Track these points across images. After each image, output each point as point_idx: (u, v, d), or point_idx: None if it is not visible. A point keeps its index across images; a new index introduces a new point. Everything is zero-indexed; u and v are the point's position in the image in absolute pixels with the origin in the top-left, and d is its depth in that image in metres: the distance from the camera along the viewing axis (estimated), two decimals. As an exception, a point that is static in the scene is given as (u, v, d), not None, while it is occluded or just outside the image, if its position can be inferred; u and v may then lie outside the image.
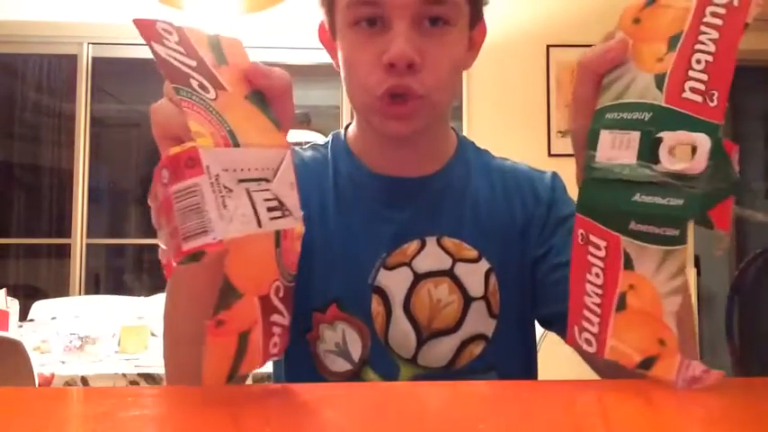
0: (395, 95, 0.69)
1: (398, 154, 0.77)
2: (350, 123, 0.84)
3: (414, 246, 0.72)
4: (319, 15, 0.78)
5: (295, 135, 3.96)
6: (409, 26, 0.68)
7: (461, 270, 0.72)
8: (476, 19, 0.76)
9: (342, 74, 0.75)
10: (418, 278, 0.71)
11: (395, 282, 0.71)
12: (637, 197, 0.38)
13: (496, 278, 0.73)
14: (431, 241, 0.73)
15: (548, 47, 3.35)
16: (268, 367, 0.79)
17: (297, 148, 0.82)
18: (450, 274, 0.72)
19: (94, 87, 3.47)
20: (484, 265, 0.73)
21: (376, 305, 0.71)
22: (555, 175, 0.82)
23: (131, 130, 4.36)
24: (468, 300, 0.71)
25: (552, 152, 3.33)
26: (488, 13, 0.78)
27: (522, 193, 0.78)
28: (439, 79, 0.70)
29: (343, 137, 0.83)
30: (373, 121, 0.73)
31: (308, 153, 0.82)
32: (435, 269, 0.72)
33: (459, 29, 0.72)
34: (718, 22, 0.38)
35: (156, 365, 2.07)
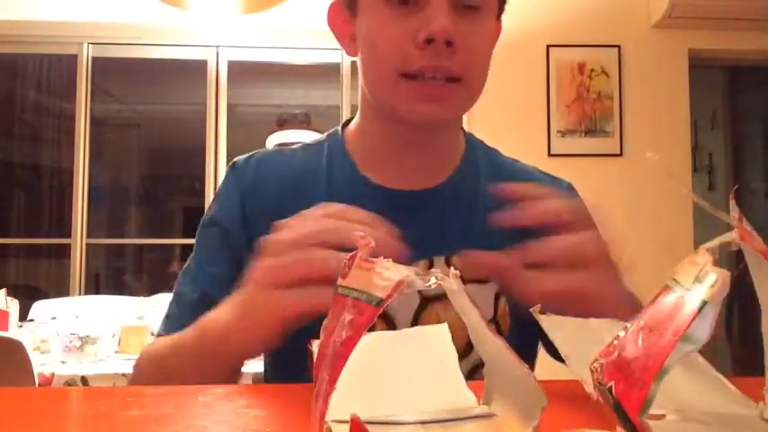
0: (428, 78, 0.65)
1: (404, 160, 0.72)
2: (350, 119, 0.78)
3: (420, 266, 0.67)
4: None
5: (295, 135, 3.96)
6: (448, 5, 0.65)
7: (471, 292, 0.67)
8: (500, 10, 0.73)
9: (360, 54, 0.70)
10: (426, 301, 0.67)
11: (400, 304, 0.67)
12: None
13: (506, 299, 0.69)
14: (439, 261, 0.68)
15: (548, 47, 3.35)
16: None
17: (286, 148, 0.78)
18: None
19: (94, 87, 3.46)
20: (494, 286, 0.68)
21: (380, 329, 0.66)
22: (571, 189, 0.78)
23: (131, 130, 4.36)
24: None
25: (552, 152, 3.33)
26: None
27: None
28: (475, 62, 0.68)
29: (340, 135, 0.77)
30: (399, 105, 0.67)
31: (299, 155, 0.76)
32: (444, 291, 0.67)
33: (491, 17, 0.70)
34: None
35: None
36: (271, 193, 0.72)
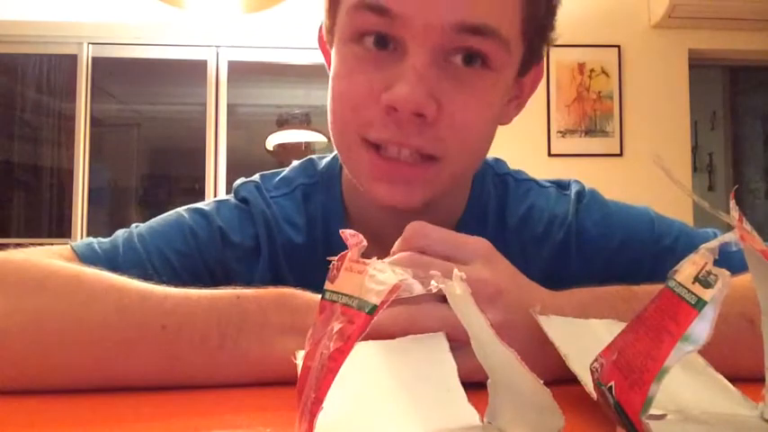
0: (391, 152, 0.51)
1: (398, 227, 0.51)
2: None
3: None
4: (321, 16, 0.64)
5: (295, 135, 3.96)
6: (431, 58, 0.50)
7: None
8: (530, 62, 0.59)
9: (328, 98, 0.58)
10: None
11: None
12: None
13: None
14: None
15: (548, 47, 3.35)
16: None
17: (286, 184, 0.67)
18: None
19: (94, 87, 3.46)
20: None
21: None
22: (579, 196, 0.66)
23: (131, 130, 4.35)
24: None
25: (552, 152, 3.33)
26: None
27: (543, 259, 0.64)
28: (463, 141, 0.52)
29: (338, 178, 0.66)
30: (359, 179, 0.56)
31: (298, 207, 0.65)
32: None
33: (501, 77, 0.54)
34: None
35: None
36: (269, 257, 0.63)
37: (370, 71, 0.51)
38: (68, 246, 0.57)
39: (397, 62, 0.50)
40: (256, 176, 0.69)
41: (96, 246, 0.59)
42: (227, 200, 0.66)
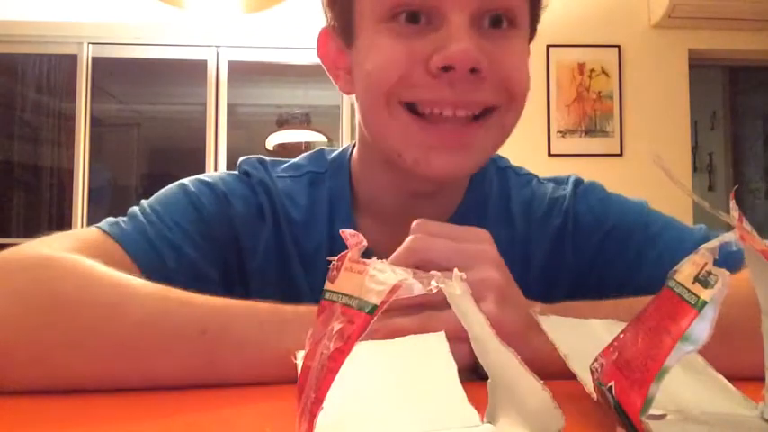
0: (446, 116, 0.53)
1: (409, 211, 0.55)
2: (354, 145, 0.69)
3: None
4: (320, 21, 0.64)
5: (295, 135, 3.95)
6: (469, 23, 0.52)
7: None
8: (531, 37, 0.62)
9: (357, 88, 0.58)
10: None
11: None
12: None
13: None
14: None
15: (548, 47, 3.35)
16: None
17: (294, 170, 0.68)
18: None
19: (94, 87, 3.46)
20: None
21: None
22: (577, 184, 0.69)
23: (131, 130, 4.35)
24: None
25: (552, 152, 3.33)
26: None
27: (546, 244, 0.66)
28: (512, 92, 0.55)
29: (347, 168, 0.66)
30: (406, 152, 0.55)
31: (303, 190, 0.66)
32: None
33: (525, 38, 0.58)
34: None
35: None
36: (272, 227, 0.64)
37: (411, 41, 0.53)
38: (98, 231, 0.58)
39: (436, 32, 0.52)
40: (264, 156, 0.70)
41: (129, 229, 0.58)
42: (230, 173, 0.68)
